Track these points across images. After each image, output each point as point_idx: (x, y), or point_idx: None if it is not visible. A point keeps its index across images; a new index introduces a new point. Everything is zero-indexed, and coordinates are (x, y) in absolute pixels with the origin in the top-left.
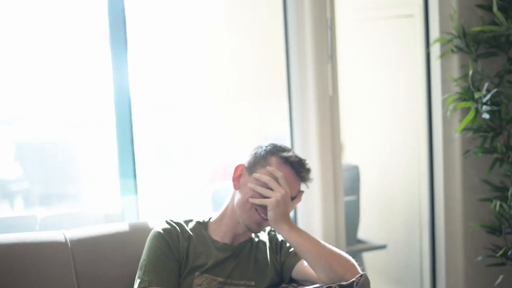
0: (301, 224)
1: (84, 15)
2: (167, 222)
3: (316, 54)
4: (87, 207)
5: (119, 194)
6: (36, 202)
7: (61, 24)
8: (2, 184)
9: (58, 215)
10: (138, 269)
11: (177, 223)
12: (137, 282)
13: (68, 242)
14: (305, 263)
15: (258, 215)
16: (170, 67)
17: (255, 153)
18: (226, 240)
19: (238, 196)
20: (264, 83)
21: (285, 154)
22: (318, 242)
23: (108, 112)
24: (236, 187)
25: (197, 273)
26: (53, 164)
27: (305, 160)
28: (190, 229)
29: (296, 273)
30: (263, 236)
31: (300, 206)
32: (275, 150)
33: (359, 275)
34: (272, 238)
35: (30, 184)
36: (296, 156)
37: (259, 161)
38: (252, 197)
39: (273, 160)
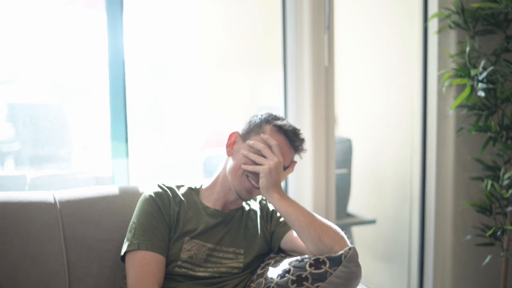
0: (291, 195)
1: None
2: (159, 186)
3: (313, 24)
4: (77, 169)
5: (110, 157)
6: (26, 163)
7: None
8: None
9: (48, 176)
10: (128, 231)
11: (169, 188)
12: (125, 244)
13: (57, 203)
14: (294, 234)
15: (249, 182)
16: (165, 32)
17: (250, 121)
18: (217, 206)
19: (230, 162)
20: (260, 51)
21: (280, 122)
22: (308, 213)
23: (102, 75)
24: (229, 153)
25: (187, 238)
26: (45, 125)
27: (299, 130)
28: (182, 194)
29: (284, 243)
30: (254, 205)
31: (292, 177)
32: (270, 119)
33: (347, 247)
34: (263, 207)
35: (21, 145)
36: (291, 125)
37: (253, 128)
38: (245, 164)
39: (268, 128)
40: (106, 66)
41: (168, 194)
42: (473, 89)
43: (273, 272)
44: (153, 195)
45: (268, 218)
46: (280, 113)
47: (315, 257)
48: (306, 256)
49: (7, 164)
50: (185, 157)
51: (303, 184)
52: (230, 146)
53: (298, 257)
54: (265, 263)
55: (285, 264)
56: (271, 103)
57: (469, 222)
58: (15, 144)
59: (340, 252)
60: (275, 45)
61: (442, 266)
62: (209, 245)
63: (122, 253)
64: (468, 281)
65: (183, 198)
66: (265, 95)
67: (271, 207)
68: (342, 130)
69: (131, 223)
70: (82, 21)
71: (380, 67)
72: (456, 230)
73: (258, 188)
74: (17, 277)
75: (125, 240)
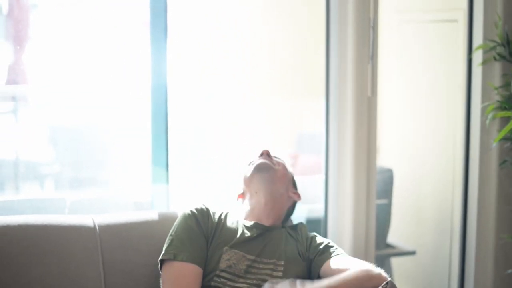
0: (331, 225)
1: (126, 1)
2: (201, 204)
3: (357, 54)
4: (117, 193)
5: (150, 182)
6: (66, 185)
7: (103, 9)
8: (34, 166)
9: (87, 200)
10: (165, 243)
11: (209, 207)
12: (161, 254)
13: (97, 227)
14: (331, 264)
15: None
16: (209, 58)
17: None
18: (255, 219)
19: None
20: (303, 80)
21: None
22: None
23: (144, 99)
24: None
25: (225, 247)
26: (85, 148)
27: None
28: (221, 212)
29: (323, 273)
30: (293, 232)
31: (331, 207)
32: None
33: (385, 282)
34: (301, 232)
35: (61, 167)
36: None
37: None
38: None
39: None
40: (149, 91)
41: (208, 210)
42: None
43: None
44: (192, 209)
45: (307, 244)
46: (322, 142)
47: None
48: None
49: (47, 186)
50: (226, 183)
51: (343, 214)
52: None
53: None
54: None
55: None
56: (313, 131)
57: (511, 256)
58: (55, 166)
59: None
60: (319, 74)
61: None
62: (250, 257)
63: (159, 264)
64: None
65: (223, 214)
66: (307, 123)
67: (310, 234)
68: (383, 160)
69: (168, 236)
70: (126, 45)
71: (423, 97)
72: (497, 264)
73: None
74: None
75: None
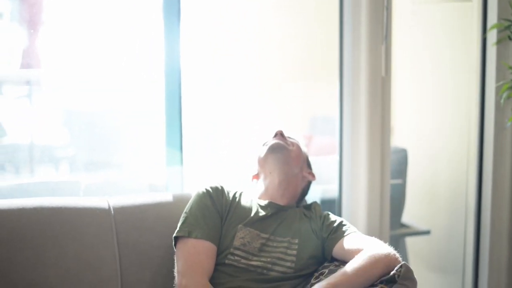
0: (345, 206)
1: None
2: (216, 182)
3: (370, 34)
4: (131, 176)
5: (165, 164)
6: (81, 168)
7: None
8: (49, 149)
9: (102, 183)
10: (179, 221)
11: (224, 186)
12: (176, 232)
13: (112, 209)
14: (344, 244)
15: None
16: (221, 41)
17: None
18: (270, 198)
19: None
20: (316, 62)
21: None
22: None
23: (158, 83)
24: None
25: (240, 225)
26: (99, 131)
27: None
28: (236, 191)
29: (336, 252)
30: (308, 211)
31: (346, 187)
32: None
33: (399, 265)
34: (315, 211)
35: (76, 150)
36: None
37: None
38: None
39: None
40: (163, 73)
41: (223, 188)
42: None
43: None
44: (207, 187)
45: (321, 223)
46: (336, 124)
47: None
48: None
49: (62, 169)
50: (240, 166)
51: (357, 194)
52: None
53: None
54: (319, 272)
55: None
56: (326, 113)
57: None
58: (70, 150)
59: (392, 272)
60: (332, 56)
61: (497, 279)
62: (264, 235)
63: (173, 241)
64: None
65: (237, 193)
66: (321, 105)
67: (323, 212)
68: (397, 140)
69: (183, 214)
70: (139, 28)
71: (437, 77)
72: None
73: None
74: (70, 283)
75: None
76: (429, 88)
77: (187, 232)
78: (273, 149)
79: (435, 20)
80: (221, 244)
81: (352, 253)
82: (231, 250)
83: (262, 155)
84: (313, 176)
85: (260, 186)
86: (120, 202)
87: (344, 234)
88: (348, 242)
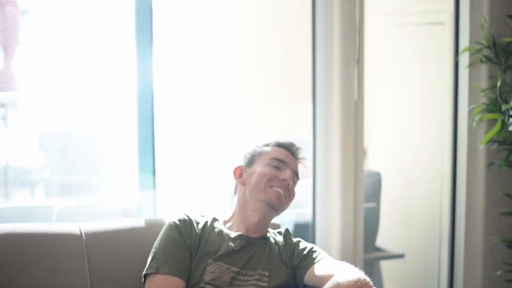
0: (319, 229)
1: (110, 8)
2: (183, 214)
3: (343, 58)
4: (105, 200)
5: (138, 188)
6: (54, 192)
7: (87, 17)
8: (23, 172)
9: (75, 207)
10: (149, 257)
11: (192, 216)
12: (145, 269)
13: (83, 235)
14: (315, 271)
15: (275, 190)
16: (195, 63)
17: (252, 151)
18: (241, 231)
19: (249, 185)
20: (290, 84)
21: (277, 141)
22: None
23: (131, 106)
24: (242, 183)
25: (210, 260)
26: (74, 155)
27: (293, 142)
28: (205, 222)
29: (307, 280)
30: (279, 238)
31: (319, 211)
32: (268, 144)
33: None
34: (286, 239)
35: (51, 173)
36: (287, 141)
37: (255, 155)
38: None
39: (269, 148)
40: (135, 96)
41: (191, 220)
42: (504, 124)
43: None
44: (175, 221)
45: (290, 252)
46: (310, 146)
47: None
48: None
49: (36, 192)
50: (214, 189)
51: (331, 217)
52: (239, 178)
53: None
54: None
55: None
56: (302, 135)
57: (500, 257)
58: (45, 172)
59: None
60: (307, 78)
61: None
62: (234, 269)
63: (142, 279)
64: None
65: (207, 224)
66: (297, 127)
67: (294, 240)
68: (371, 164)
69: (152, 249)
70: (112, 51)
71: (410, 100)
72: (486, 266)
73: (284, 195)
74: None
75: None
76: (403, 111)
77: (156, 268)
78: (273, 206)
79: (408, 43)
80: (191, 279)
81: (323, 280)
82: (202, 285)
83: (262, 188)
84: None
85: (234, 211)
86: (92, 228)
87: (315, 261)
88: (319, 268)
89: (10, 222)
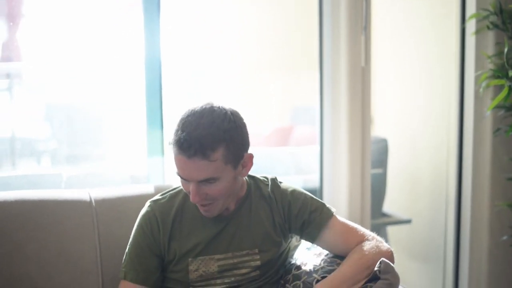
0: (326, 195)
1: None
2: (152, 204)
3: (350, 25)
4: (113, 168)
5: (146, 156)
6: (63, 161)
7: None
8: (31, 143)
9: (84, 175)
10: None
11: (163, 199)
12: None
13: (93, 201)
14: (327, 237)
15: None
16: (201, 33)
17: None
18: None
19: None
20: (296, 53)
21: (173, 139)
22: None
23: (139, 76)
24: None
25: (190, 258)
26: (81, 125)
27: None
28: (177, 206)
29: (319, 244)
30: (265, 190)
31: (327, 177)
32: (172, 138)
33: (378, 262)
34: (275, 196)
35: (58, 144)
36: (179, 135)
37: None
38: None
39: (172, 150)
40: (143, 66)
41: (158, 219)
42: (510, 90)
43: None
44: (142, 221)
45: (284, 215)
46: (316, 114)
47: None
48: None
49: (44, 162)
50: None
51: (338, 184)
52: None
53: None
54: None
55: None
56: (305, 103)
57: (506, 222)
58: (52, 143)
59: (374, 269)
60: (312, 47)
61: (477, 266)
62: (218, 256)
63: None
64: (504, 281)
65: (178, 211)
66: (301, 96)
67: (286, 197)
68: (378, 130)
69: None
70: (120, 22)
71: (417, 67)
72: (492, 231)
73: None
74: (51, 275)
75: None
76: (409, 78)
77: (124, 273)
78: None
79: (414, 10)
80: (178, 283)
81: (342, 249)
82: (190, 286)
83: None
84: (250, 166)
85: None
86: (102, 194)
87: (322, 229)
88: (332, 235)
89: (19, 190)
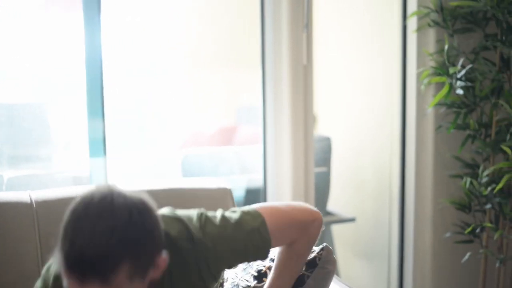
0: (270, 194)
1: None
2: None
3: (291, 23)
4: (55, 169)
5: (88, 156)
6: (4, 163)
7: None
8: None
9: (25, 176)
10: None
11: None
12: None
13: (34, 203)
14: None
15: None
16: (143, 31)
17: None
18: None
19: None
20: (239, 51)
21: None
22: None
23: (80, 75)
24: None
25: None
26: (23, 125)
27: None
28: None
29: None
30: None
31: (270, 176)
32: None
33: (320, 247)
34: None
35: None
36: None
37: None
38: None
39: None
40: (84, 65)
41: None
42: (451, 87)
43: (247, 276)
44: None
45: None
46: (259, 113)
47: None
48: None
49: None
50: (164, 156)
51: (282, 182)
52: None
53: (271, 257)
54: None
55: (256, 265)
56: (250, 102)
57: (449, 219)
58: None
59: (313, 255)
60: (254, 45)
61: (421, 263)
62: None
63: None
64: (447, 278)
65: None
66: (245, 94)
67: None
68: (321, 129)
69: None
70: (60, 22)
71: (359, 65)
72: (436, 228)
73: None
74: None
75: None
76: (352, 76)
77: None
78: None
79: (356, 7)
80: None
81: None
82: None
83: None
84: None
85: None
86: (43, 196)
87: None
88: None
89: None
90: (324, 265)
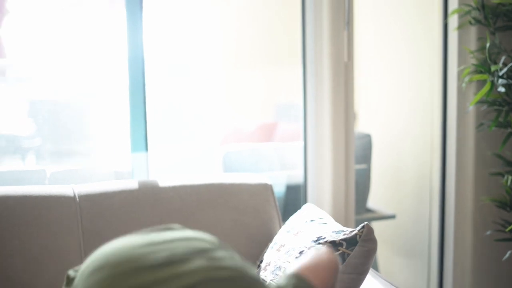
0: (310, 191)
1: None
2: None
3: (332, 20)
4: (97, 164)
5: (130, 151)
6: (47, 158)
7: None
8: (14, 140)
9: (67, 171)
10: None
11: None
12: None
13: (77, 197)
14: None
15: None
16: (183, 30)
17: None
18: None
19: None
20: (278, 48)
21: None
22: None
23: (122, 72)
24: None
25: None
26: (65, 121)
27: None
28: None
29: None
30: None
31: (311, 173)
32: None
33: (361, 226)
34: None
35: (42, 140)
36: None
37: None
38: None
39: None
40: (126, 62)
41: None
42: (493, 85)
43: (290, 258)
44: None
45: None
46: (300, 110)
47: (331, 239)
48: (321, 236)
49: (28, 159)
50: (205, 151)
51: (322, 179)
52: None
53: (313, 239)
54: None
55: (299, 247)
56: (290, 100)
57: (489, 217)
58: (36, 140)
59: (354, 232)
60: (294, 42)
61: (462, 261)
62: None
63: None
64: (487, 276)
65: None
66: (284, 92)
67: None
68: (361, 126)
69: None
70: (103, 19)
71: (400, 62)
72: (476, 226)
73: None
74: (35, 271)
75: None
76: (392, 74)
77: None
78: None
79: (397, 5)
80: None
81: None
82: None
83: None
84: None
85: None
86: (85, 190)
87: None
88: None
89: (3, 186)
90: (364, 244)
